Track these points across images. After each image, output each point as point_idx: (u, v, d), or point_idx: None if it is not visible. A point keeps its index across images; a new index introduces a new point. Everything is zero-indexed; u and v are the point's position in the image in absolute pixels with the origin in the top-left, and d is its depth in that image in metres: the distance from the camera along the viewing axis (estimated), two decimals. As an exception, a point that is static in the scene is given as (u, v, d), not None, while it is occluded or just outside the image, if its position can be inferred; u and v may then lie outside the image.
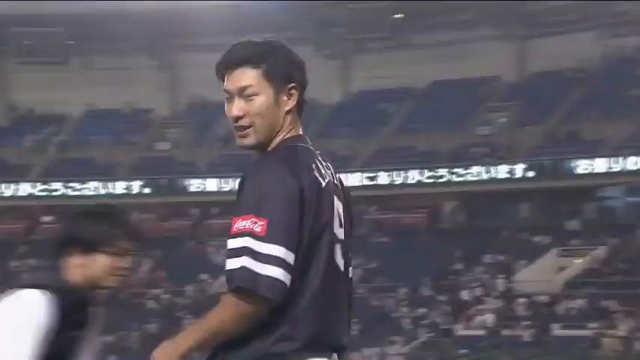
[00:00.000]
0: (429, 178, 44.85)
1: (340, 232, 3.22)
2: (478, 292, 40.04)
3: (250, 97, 3.18)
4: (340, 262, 3.22)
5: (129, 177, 48.31)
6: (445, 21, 47.33)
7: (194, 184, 47.61)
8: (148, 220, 48.40)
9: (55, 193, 48.17)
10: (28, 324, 3.78)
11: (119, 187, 47.97)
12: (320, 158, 3.24)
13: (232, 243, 3.02)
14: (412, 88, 48.66)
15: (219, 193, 46.81)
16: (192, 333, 3.07)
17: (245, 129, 3.17)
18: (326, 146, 48.12)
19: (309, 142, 3.24)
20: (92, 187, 47.80)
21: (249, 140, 3.18)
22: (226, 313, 3.02)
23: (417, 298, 40.33)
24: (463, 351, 36.38)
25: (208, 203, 47.50)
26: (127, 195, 47.16)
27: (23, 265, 46.25)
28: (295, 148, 3.18)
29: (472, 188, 43.76)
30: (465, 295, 40.01)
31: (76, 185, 47.88)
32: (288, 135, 3.19)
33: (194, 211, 48.38)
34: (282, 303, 3.06)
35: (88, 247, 3.80)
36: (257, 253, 2.99)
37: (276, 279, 3.00)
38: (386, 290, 41.19)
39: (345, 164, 46.66)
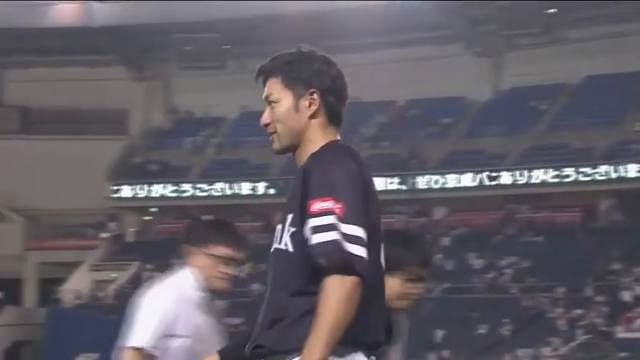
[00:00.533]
0: (584, 175, 43.74)
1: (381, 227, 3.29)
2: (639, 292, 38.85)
3: (273, 104, 3.32)
4: (383, 259, 3.28)
5: (283, 177, 48.93)
6: (598, 14, 46.02)
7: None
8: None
9: (214, 194, 49.16)
10: None
11: (270, 188, 48.63)
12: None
13: (317, 221, 3.07)
14: (565, 84, 47.55)
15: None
16: (321, 339, 3.05)
17: (271, 135, 3.32)
18: (476, 144, 47.67)
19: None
20: (246, 188, 48.66)
21: (275, 145, 3.32)
22: (336, 299, 3.03)
23: (573, 299, 39.34)
24: (623, 354, 35.32)
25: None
26: (277, 195, 47.89)
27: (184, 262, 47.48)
28: (343, 144, 3.29)
29: (629, 186, 42.42)
30: (625, 296, 38.83)
31: (234, 186, 48.79)
32: (325, 140, 3.26)
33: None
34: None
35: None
36: (343, 232, 3.04)
37: (364, 257, 3.06)
38: (539, 290, 40.35)
39: (495, 162, 46.06)
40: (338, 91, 3.32)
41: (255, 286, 45.11)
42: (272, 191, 48.38)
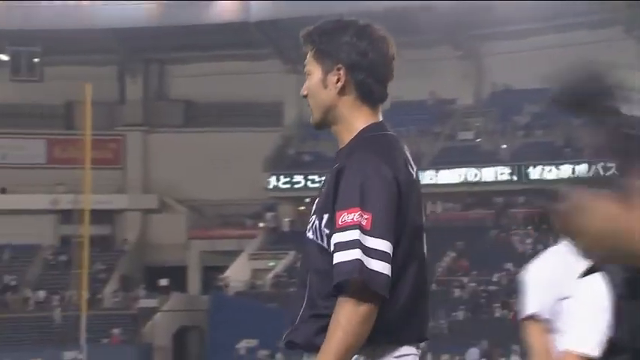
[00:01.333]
0: None
1: (423, 223, 3.15)
2: None
3: (307, 76, 3.20)
4: (426, 254, 3.16)
5: (433, 167, 48.75)
6: None
7: (496, 173, 47.27)
8: (451, 210, 48.81)
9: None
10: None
11: (425, 177, 48.53)
12: (405, 148, 3.17)
13: (342, 236, 2.93)
14: None
15: (521, 182, 46.30)
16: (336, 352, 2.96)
17: (309, 106, 3.19)
18: (635, 132, 46.28)
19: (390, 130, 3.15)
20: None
21: (312, 119, 3.20)
22: (350, 320, 2.94)
23: None
24: None
25: (512, 192, 47.07)
26: (433, 185, 47.78)
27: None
28: (386, 137, 3.12)
29: None
30: None
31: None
32: (363, 121, 3.11)
33: (497, 200, 48.06)
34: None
35: None
36: (366, 247, 2.92)
37: (386, 275, 2.93)
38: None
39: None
40: (369, 67, 3.12)
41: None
42: (424, 181, 48.28)
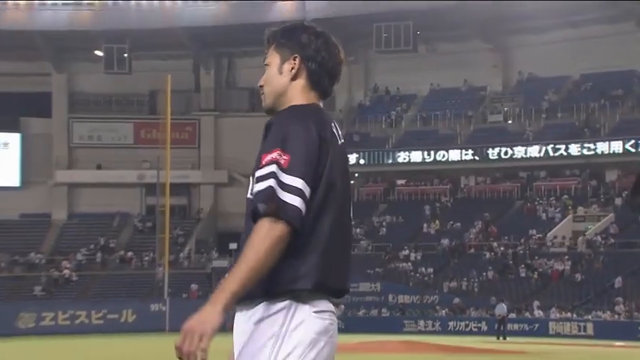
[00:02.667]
0: None
1: (349, 189, 3.10)
2: None
3: (266, 67, 3.21)
4: (349, 215, 3.08)
5: (467, 145, 48.35)
6: None
7: (522, 151, 46.77)
8: (482, 183, 48.43)
9: (406, 161, 49.20)
10: None
11: (459, 155, 48.19)
12: (335, 123, 3.12)
13: (261, 172, 2.91)
14: None
15: (544, 158, 45.79)
16: (233, 279, 2.82)
17: (262, 95, 3.19)
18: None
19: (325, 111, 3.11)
20: (434, 156, 48.29)
21: (263, 104, 3.18)
22: (260, 241, 2.82)
23: None
24: None
25: (536, 167, 46.60)
26: (463, 161, 47.45)
27: (382, 221, 47.94)
28: (316, 106, 3.10)
29: None
30: None
31: (423, 153, 48.61)
32: (304, 102, 3.09)
33: (522, 174, 47.61)
34: (298, 243, 2.88)
35: None
36: (281, 181, 2.87)
37: (297, 207, 2.85)
38: None
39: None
40: (321, 60, 3.13)
41: (445, 242, 44.88)
42: (458, 158, 47.93)
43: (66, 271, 46.96)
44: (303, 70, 3.13)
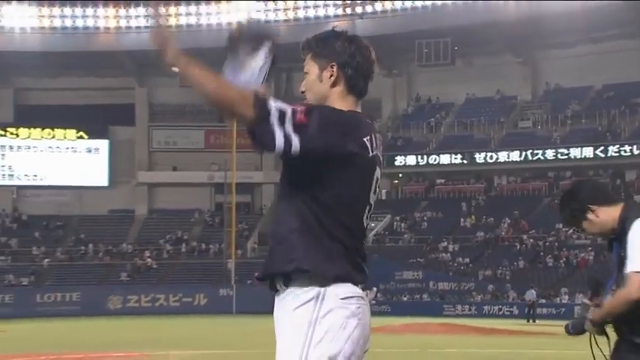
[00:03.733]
0: None
1: (372, 198, 2.98)
2: None
3: (305, 75, 3.08)
4: (366, 221, 2.98)
5: (499, 149, 47.78)
6: None
7: (549, 153, 46.04)
8: (513, 182, 47.76)
9: (444, 162, 48.76)
10: None
11: (492, 157, 47.64)
12: (375, 130, 3.00)
13: (280, 105, 2.80)
14: None
15: (569, 159, 45.04)
16: (192, 65, 2.81)
17: (306, 100, 3.07)
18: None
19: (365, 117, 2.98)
20: (470, 158, 47.80)
21: None
22: (214, 85, 2.76)
23: None
24: None
25: (562, 167, 45.86)
26: (496, 163, 46.89)
27: (423, 216, 47.58)
28: (352, 113, 2.98)
29: None
30: None
31: (463, 155, 48.13)
32: (346, 107, 2.98)
33: (550, 174, 46.86)
34: (324, 243, 2.82)
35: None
36: (283, 120, 2.76)
37: (274, 136, 2.75)
38: None
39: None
40: (356, 65, 3.02)
41: (480, 235, 44.42)
42: (491, 159, 47.38)
43: (148, 260, 47.54)
44: (341, 77, 3.04)
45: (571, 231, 42.24)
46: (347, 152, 2.87)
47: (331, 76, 3.02)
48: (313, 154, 2.80)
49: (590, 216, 3.98)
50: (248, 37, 3.00)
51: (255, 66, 3.01)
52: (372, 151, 2.97)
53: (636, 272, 3.75)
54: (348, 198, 2.91)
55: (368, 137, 2.96)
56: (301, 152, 2.79)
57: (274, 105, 2.81)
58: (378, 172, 3.00)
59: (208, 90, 2.81)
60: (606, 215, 3.93)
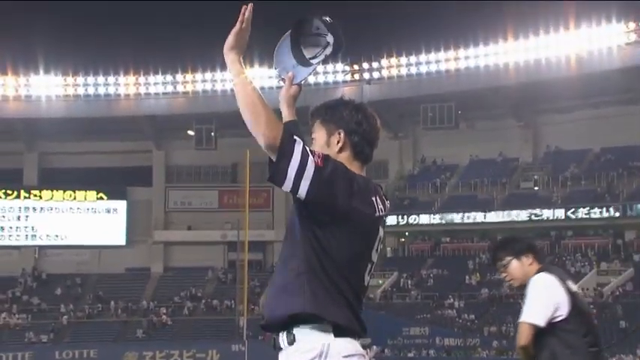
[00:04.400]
0: None
1: (374, 256, 2.99)
2: None
3: (313, 140, 3.11)
4: (367, 278, 2.99)
5: (501, 208, 47.74)
6: None
7: (550, 213, 45.93)
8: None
9: (449, 221, 48.66)
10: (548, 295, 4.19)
11: (495, 217, 47.55)
12: (381, 193, 3.03)
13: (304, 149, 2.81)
14: None
15: (570, 219, 44.90)
16: (241, 73, 2.85)
17: None
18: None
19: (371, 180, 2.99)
20: (474, 217, 47.78)
21: None
22: (250, 103, 2.82)
23: None
24: None
25: (563, 227, 45.68)
26: (499, 222, 46.78)
27: (430, 273, 47.26)
28: (361, 175, 3.01)
29: None
30: None
31: (465, 215, 48.09)
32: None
33: (552, 233, 46.66)
34: (327, 297, 2.79)
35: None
36: (304, 161, 2.78)
37: (286, 174, 2.78)
38: None
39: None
40: (362, 133, 3.03)
41: (485, 291, 44.07)
42: (494, 219, 47.26)
43: (163, 317, 47.25)
44: (347, 143, 3.05)
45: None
46: (350, 207, 2.86)
47: (338, 142, 3.04)
48: (320, 199, 2.81)
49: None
50: (329, 38, 2.96)
51: (308, 64, 3.01)
52: (378, 212, 2.98)
53: (522, 322, 4.08)
54: (350, 251, 2.91)
55: (374, 198, 2.98)
56: (307, 197, 2.82)
57: (298, 147, 2.84)
58: (381, 232, 3.00)
59: (246, 100, 2.91)
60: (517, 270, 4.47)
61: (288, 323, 2.90)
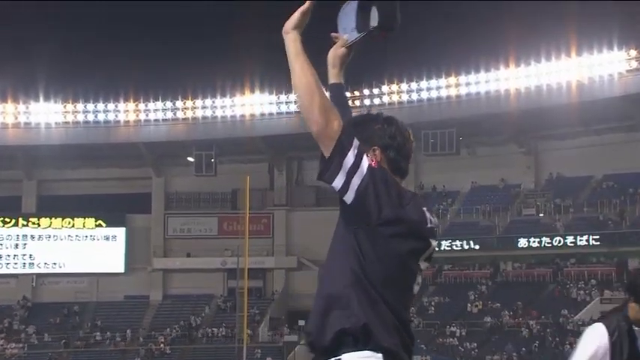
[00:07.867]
0: None
1: (424, 265, 2.91)
2: None
3: None
4: (416, 288, 2.90)
5: (504, 235, 47.64)
6: None
7: (552, 240, 45.82)
8: (518, 268, 47.36)
9: (453, 248, 48.53)
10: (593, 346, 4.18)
11: (498, 243, 47.45)
12: (427, 209, 2.96)
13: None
14: None
15: (572, 247, 44.77)
16: (301, 54, 2.75)
17: None
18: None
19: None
20: (476, 243, 47.67)
21: None
22: (305, 84, 2.70)
23: None
24: None
25: (565, 255, 45.54)
26: (501, 249, 46.65)
27: (431, 301, 47.04)
28: (406, 189, 2.94)
29: None
30: None
31: (464, 243, 48.00)
32: None
33: (555, 261, 46.50)
34: (380, 307, 2.69)
35: None
36: (358, 155, 2.70)
37: (339, 171, 2.70)
38: None
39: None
40: (397, 147, 2.94)
41: (487, 320, 43.83)
42: (496, 246, 47.18)
43: (161, 345, 46.97)
44: (383, 160, 2.93)
45: (577, 316, 41.62)
46: (402, 212, 2.77)
47: (374, 159, 2.89)
48: (369, 200, 2.71)
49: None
50: (384, 19, 2.92)
51: (363, 30, 2.90)
52: (429, 223, 2.90)
53: None
54: (398, 260, 2.80)
55: (424, 209, 2.91)
56: (356, 195, 2.71)
57: (355, 144, 2.74)
58: (434, 244, 2.90)
59: (302, 81, 2.74)
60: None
61: (336, 346, 2.76)
